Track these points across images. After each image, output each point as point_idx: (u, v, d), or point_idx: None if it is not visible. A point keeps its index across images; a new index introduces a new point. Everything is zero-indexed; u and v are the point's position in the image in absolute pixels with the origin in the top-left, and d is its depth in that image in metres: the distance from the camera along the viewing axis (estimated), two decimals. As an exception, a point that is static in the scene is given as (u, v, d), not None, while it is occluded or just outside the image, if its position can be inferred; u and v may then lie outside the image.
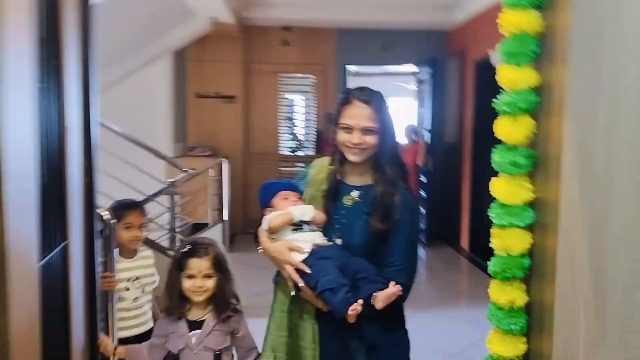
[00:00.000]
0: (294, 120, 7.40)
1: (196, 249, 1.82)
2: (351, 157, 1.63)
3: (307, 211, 1.64)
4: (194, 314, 1.83)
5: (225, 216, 4.76)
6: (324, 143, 6.71)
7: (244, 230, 6.47)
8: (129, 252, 2.41)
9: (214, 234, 4.49)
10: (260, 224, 1.72)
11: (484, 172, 6.17)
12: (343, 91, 1.70)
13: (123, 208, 2.39)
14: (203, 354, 1.79)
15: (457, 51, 6.52)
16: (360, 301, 1.48)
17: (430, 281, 5.02)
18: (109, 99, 4.90)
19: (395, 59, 7.13)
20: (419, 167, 6.43)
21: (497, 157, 1.14)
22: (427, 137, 6.59)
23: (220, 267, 1.82)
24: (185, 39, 6.13)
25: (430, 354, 3.45)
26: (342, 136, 1.62)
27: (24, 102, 1.30)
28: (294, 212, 1.63)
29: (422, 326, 3.85)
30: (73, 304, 1.61)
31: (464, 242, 6.24)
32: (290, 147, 7.37)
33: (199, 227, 5.47)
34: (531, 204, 1.13)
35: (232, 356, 1.89)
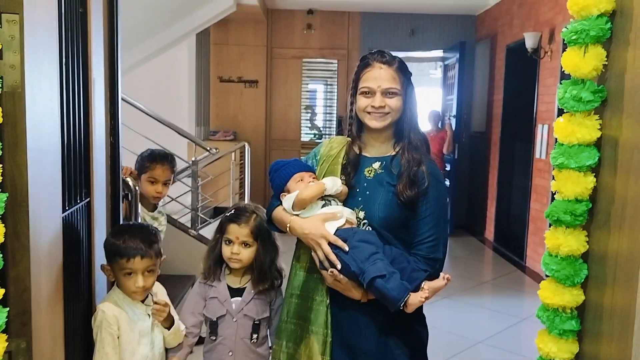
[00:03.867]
0: (314, 109, 7.30)
1: (238, 215, 1.70)
2: (373, 123, 1.51)
3: (337, 182, 1.52)
4: (233, 281, 1.73)
5: (247, 200, 4.70)
6: (343, 131, 6.59)
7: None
8: (149, 205, 2.28)
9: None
10: (272, 208, 1.59)
11: (512, 163, 5.91)
12: (361, 57, 1.56)
13: (151, 160, 2.20)
14: (243, 322, 1.70)
15: (487, 35, 6.34)
16: (425, 286, 1.36)
17: (454, 270, 4.87)
18: (132, 81, 4.86)
19: (421, 44, 6.97)
20: (444, 155, 6.28)
21: (561, 92, 1.04)
22: (453, 124, 6.44)
23: (260, 237, 1.69)
24: (209, 21, 6.06)
25: (455, 340, 3.34)
26: (362, 102, 1.51)
27: (48, 46, 1.24)
28: (327, 183, 1.50)
29: (446, 313, 3.74)
30: (95, 259, 1.56)
31: (489, 232, 6.09)
32: (310, 135, 7.28)
33: (220, 211, 5.43)
34: (598, 145, 1.02)
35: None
